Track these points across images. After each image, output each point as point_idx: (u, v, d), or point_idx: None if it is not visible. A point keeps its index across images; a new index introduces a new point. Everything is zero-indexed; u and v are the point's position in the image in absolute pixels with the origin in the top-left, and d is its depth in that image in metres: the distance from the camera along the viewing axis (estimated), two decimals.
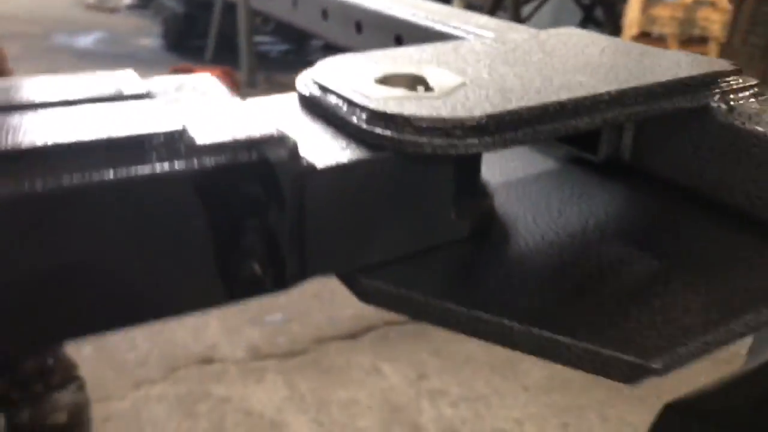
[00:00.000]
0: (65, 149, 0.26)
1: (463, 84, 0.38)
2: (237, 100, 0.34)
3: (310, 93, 0.37)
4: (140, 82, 0.33)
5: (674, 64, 0.44)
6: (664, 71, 0.42)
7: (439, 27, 0.66)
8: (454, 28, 0.64)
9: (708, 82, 0.42)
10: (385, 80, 0.39)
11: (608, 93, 0.37)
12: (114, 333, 0.29)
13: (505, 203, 0.44)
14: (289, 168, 0.29)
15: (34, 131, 0.27)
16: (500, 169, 0.50)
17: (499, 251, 0.38)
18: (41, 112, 0.29)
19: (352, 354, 1.45)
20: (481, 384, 1.38)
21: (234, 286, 0.30)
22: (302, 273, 0.32)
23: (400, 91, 0.36)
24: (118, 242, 0.27)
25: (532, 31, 0.54)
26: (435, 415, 1.31)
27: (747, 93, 0.43)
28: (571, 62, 0.43)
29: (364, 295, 0.34)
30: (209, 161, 0.27)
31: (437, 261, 0.36)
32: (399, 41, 0.71)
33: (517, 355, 0.35)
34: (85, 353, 1.38)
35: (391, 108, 0.33)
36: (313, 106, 0.37)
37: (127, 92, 0.32)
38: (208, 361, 1.44)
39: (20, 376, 1.24)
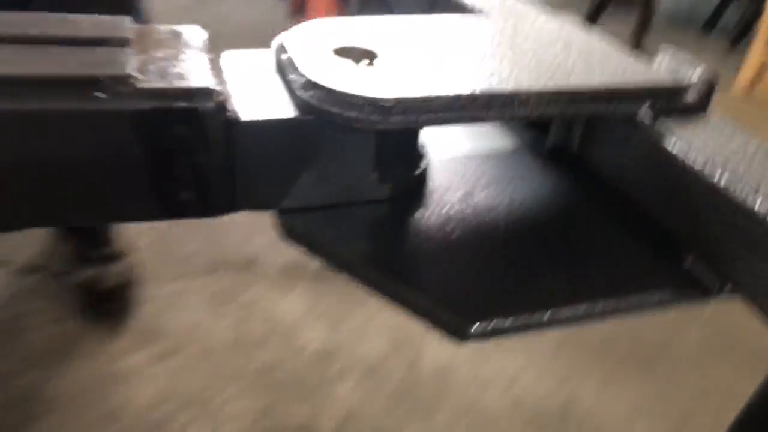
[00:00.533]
0: (32, 79, 0.34)
1: (401, 64, 0.43)
2: (204, 55, 0.41)
3: (275, 52, 0.44)
4: (128, 29, 0.41)
5: (619, 71, 0.47)
6: (601, 76, 0.46)
7: None
8: None
9: (641, 95, 0.46)
10: (341, 51, 0.45)
11: (523, 92, 0.42)
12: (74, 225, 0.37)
13: (442, 174, 0.50)
14: (214, 117, 0.36)
15: (14, 62, 0.35)
16: (462, 143, 0.55)
17: (408, 214, 0.44)
18: (23, 46, 0.37)
19: None
20: None
21: (169, 207, 0.38)
22: (229, 206, 0.40)
23: (343, 63, 0.42)
24: (78, 158, 0.35)
25: (534, 15, 0.57)
26: (437, 351, 1.40)
27: (679, 111, 0.47)
28: (522, 55, 0.47)
29: (281, 232, 0.41)
30: (146, 104, 0.35)
31: (351, 214, 0.43)
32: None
33: None
34: (141, 243, 1.53)
35: (320, 79, 0.39)
36: (277, 65, 0.43)
37: (108, 37, 0.39)
38: (246, 268, 1.56)
39: (83, 245, 1.41)
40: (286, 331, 1.38)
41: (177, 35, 0.44)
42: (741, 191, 0.39)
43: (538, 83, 0.43)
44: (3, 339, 1.23)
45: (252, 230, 1.62)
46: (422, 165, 0.46)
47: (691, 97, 0.47)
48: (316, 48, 0.43)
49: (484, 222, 0.45)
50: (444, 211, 0.45)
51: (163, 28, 0.45)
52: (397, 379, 1.32)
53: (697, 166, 0.41)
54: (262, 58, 0.46)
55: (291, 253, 1.61)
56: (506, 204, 0.46)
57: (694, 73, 0.57)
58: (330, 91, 0.39)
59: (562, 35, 0.52)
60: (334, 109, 0.38)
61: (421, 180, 0.47)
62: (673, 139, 0.44)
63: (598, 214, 0.47)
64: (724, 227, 0.40)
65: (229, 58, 0.45)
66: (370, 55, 0.45)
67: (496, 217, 0.45)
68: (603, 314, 0.41)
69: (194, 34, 0.44)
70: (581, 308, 0.39)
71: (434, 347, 1.41)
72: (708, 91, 0.57)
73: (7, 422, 1.12)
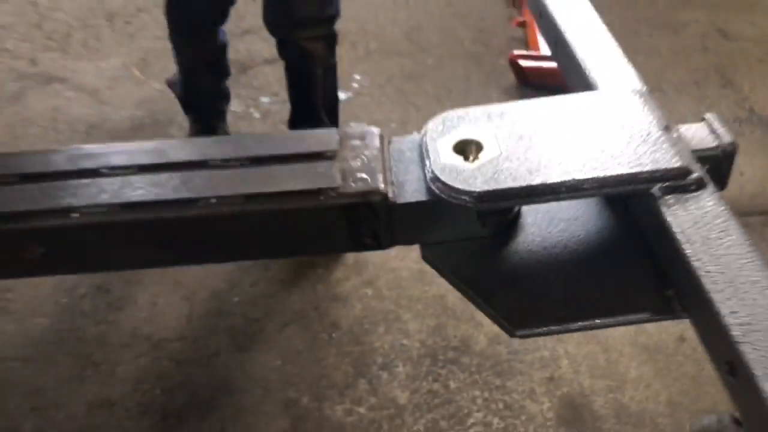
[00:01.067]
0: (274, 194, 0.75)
1: (500, 156, 0.76)
2: (379, 155, 0.79)
3: (420, 141, 0.80)
4: (335, 141, 0.79)
5: (644, 157, 0.76)
6: (626, 164, 0.76)
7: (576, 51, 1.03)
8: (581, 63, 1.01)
9: (653, 178, 0.75)
10: (458, 145, 0.79)
11: (578, 180, 0.74)
12: None
13: (534, 215, 0.85)
14: (381, 204, 0.74)
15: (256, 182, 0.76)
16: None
17: (500, 246, 0.79)
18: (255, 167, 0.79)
19: None
20: None
21: (358, 245, 0.77)
22: (391, 244, 0.78)
23: (457, 160, 0.77)
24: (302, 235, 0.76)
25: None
26: None
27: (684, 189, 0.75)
28: (574, 144, 0.79)
29: (424, 258, 0.79)
30: (346, 201, 0.74)
31: (463, 247, 0.79)
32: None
33: None
34: None
35: (441, 174, 0.74)
36: (419, 152, 0.80)
37: (322, 152, 0.78)
38: None
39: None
40: None
41: (363, 137, 0.82)
42: (699, 261, 0.68)
43: (585, 174, 0.74)
44: (259, 270, 1.76)
45: None
46: (514, 211, 0.80)
47: (696, 177, 0.75)
48: (442, 142, 0.78)
49: (550, 253, 0.78)
50: (522, 245, 0.79)
51: (353, 130, 0.83)
52: None
53: (678, 238, 0.70)
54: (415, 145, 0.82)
55: None
56: (568, 241, 0.79)
57: (719, 148, 0.84)
58: (445, 184, 0.74)
59: (625, 121, 0.82)
60: (449, 196, 0.74)
61: (515, 219, 0.81)
62: (667, 212, 0.73)
63: (626, 254, 0.78)
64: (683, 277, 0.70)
65: (395, 144, 0.82)
66: (480, 147, 0.79)
67: (559, 251, 0.79)
68: (604, 326, 0.75)
69: (373, 136, 0.81)
70: (588, 324, 0.72)
71: None
72: (721, 169, 0.85)
73: (261, 325, 1.65)
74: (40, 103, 2.28)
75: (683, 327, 1.63)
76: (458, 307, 1.68)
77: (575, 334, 1.60)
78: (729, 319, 0.64)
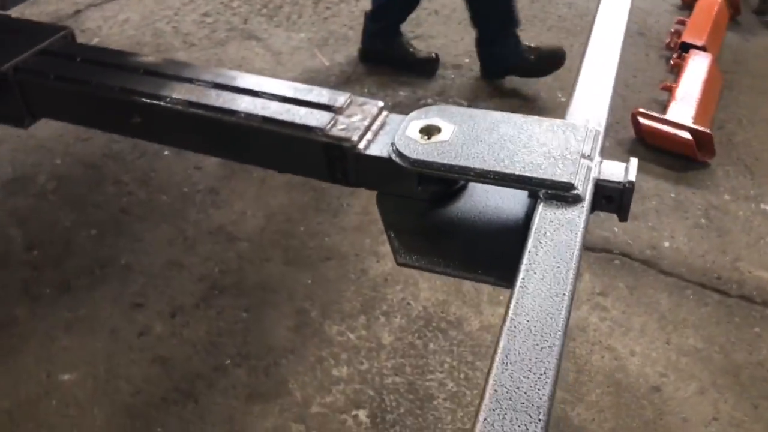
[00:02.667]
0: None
1: (443, 141, 1.08)
2: (366, 119, 1.15)
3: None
4: (342, 101, 1.16)
5: (530, 168, 1.05)
6: (527, 166, 1.05)
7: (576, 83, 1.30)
8: None
9: (539, 183, 1.03)
10: (423, 128, 1.12)
11: (485, 170, 1.04)
12: None
13: (472, 204, 1.16)
14: (350, 151, 1.09)
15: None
16: None
17: (433, 210, 1.11)
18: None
19: None
20: None
21: (332, 178, 1.13)
22: (357, 184, 1.13)
23: (415, 137, 1.09)
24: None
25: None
26: None
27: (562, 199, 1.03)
28: (507, 149, 1.08)
29: (377, 202, 1.13)
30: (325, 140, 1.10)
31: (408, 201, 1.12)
32: None
33: None
34: None
35: (399, 142, 1.07)
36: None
37: (331, 105, 1.16)
38: None
39: None
40: None
41: (366, 104, 1.18)
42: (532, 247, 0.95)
43: (495, 167, 1.03)
44: (329, 215, 2.14)
45: None
46: (455, 187, 1.11)
47: (575, 193, 1.00)
48: (414, 123, 1.11)
49: (462, 222, 1.08)
50: (449, 213, 1.09)
51: (362, 99, 1.19)
52: None
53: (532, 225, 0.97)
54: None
55: None
56: (480, 218, 1.08)
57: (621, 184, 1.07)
58: (397, 150, 1.07)
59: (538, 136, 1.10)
60: (397, 158, 1.07)
61: (455, 194, 1.12)
62: (539, 209, 0.99)
63: (512, 237, 1.06)
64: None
65: (392, 117, 1.17)
66: (436, 131, 1.11)
67: (469, 223, 1.08)
68: (458, 277, 1.05)
69: (374, 106, 1.17)
70: (449, 271, 1.02)
71: None
72: (622, 201, 1.08)
73: (310, 253, 2.03)
74: (235, 51, 2.88)
75: (664, 380, 1.73)
76: (469, 294, 1.93)
77: None
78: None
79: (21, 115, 1.51)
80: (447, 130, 1.21)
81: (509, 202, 1.22)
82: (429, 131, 1.22)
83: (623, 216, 1.14)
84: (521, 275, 0.90)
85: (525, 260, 0.95)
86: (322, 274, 1.96)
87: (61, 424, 1.55)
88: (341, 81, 2.75)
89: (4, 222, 2.02)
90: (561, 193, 1.06)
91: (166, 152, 2.33)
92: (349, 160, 1.25)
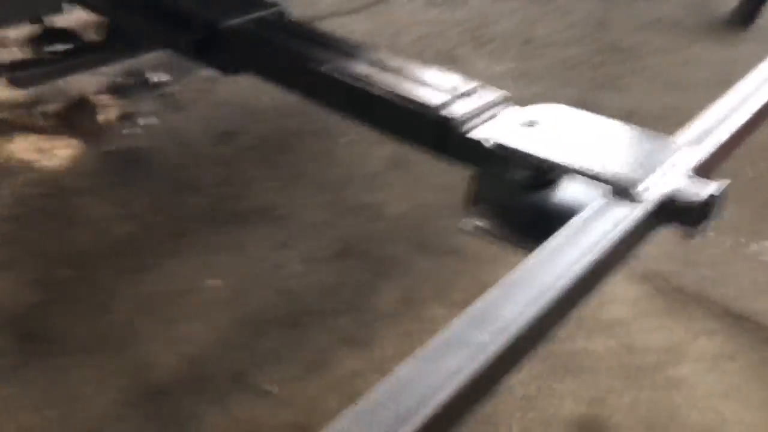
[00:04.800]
0: None
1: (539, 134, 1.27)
2: None
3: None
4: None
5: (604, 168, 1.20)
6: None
7: None
8: None
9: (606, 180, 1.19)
10: (527, 121, 1.31)
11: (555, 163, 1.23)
12: None
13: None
14: (450, 129, 1.31)
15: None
16: None
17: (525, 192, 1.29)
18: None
19: None
20: None
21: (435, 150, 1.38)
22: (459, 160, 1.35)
23: (517, 126, 1.30)
24: None
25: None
26: None
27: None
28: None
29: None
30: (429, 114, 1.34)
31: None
32: None
33: None
34: None
35: (497, 131, 1.28)
36: None
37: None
38: None
39: None
40: None
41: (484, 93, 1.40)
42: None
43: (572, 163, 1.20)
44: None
45: None
46: (549, 176, 1.29)
47: (637, 192, 1.14)
48: (523, 114, 1.31)
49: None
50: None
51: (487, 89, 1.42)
52: None
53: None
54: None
55: None
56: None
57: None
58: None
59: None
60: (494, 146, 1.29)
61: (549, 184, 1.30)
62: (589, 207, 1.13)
63: None
64: None
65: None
66: (538, 124, 1.29)
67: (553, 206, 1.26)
68: None
69: (495, 94, 1.38)
70: None
71: None
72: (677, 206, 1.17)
73: (431, 248, 2.21)
74: None
75: None
76: None
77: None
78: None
79: (227, 65, 1.92)
80: (547, 125, 1.37)
81: (591, 197, 1.31)
82: (532, 123, 1.39)
83: (692, 233, 1.19)
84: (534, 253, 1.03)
85: (550, 239, 1.07)
86: (444, 263, 2.14)
87: (191, 314, 1.91)
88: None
89: (207, 162, 2.50)
90: (623, 192, 1.17)
91: (350, 137, 2.68)
92: (453, 137, 1.44)
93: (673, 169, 1.24)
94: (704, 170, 1.30)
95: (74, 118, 2.54)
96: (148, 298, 1.95)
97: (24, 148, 2.42)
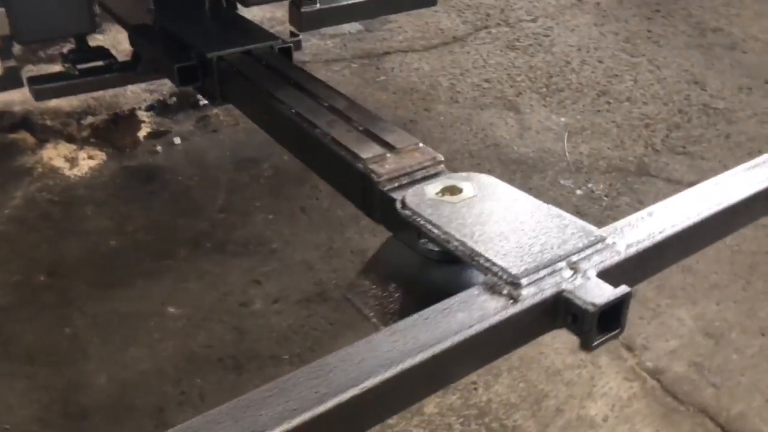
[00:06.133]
0: None
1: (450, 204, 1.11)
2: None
3: None
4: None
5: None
6: None
7: None
8: None
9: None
10: (446, 188, 1.15)
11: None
12: None
13: None
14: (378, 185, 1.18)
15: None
16: None
17: None
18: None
19: None
20: None
21: (361, 205, 1.24)
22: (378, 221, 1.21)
23: (432, 193, 1.14)
24: None
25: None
26: None
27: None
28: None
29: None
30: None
31: None
32: None
33: None
34: None
35: (410, 196, 1.14)
36: None
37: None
38: None
39: None
40: None
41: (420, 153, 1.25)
42: None
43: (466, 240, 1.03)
44: None
45: None
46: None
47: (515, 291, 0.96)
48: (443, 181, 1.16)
49: None
50: None
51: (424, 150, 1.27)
52: None
53: None
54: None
55: None
56: None
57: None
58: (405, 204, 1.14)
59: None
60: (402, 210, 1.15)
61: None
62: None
63: None
64: None
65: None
66: (459, 189, 1.14)
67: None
68: None
69: (430, 156, 1.23)
70: None
71: None
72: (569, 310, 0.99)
73: None
74: (488, 116, 3.00)
75: None
76: None
77: None
78: None
79: (215, 95, 1.89)
80: (467, 198, 1.20)
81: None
82: (453, 192, 1.22)
83: (586, 344, 0.99)
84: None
85: (402, 321, 0.92)
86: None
87: (142, 339, 1.86)
88: (564, 170, 2.66)
89: (218, 187, 2.48)
90: (500, 285, 0.99)
91: None
92: (375, 195, 1.30)
93: (577, 268, 1.02)
94: (620, 274, 1.06)
95: (111, 131, 2.63)
96: (109, 317, 1.94)
97: (55, 154, 2.54)
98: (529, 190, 2.51)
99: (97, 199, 2.36)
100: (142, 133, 2.69)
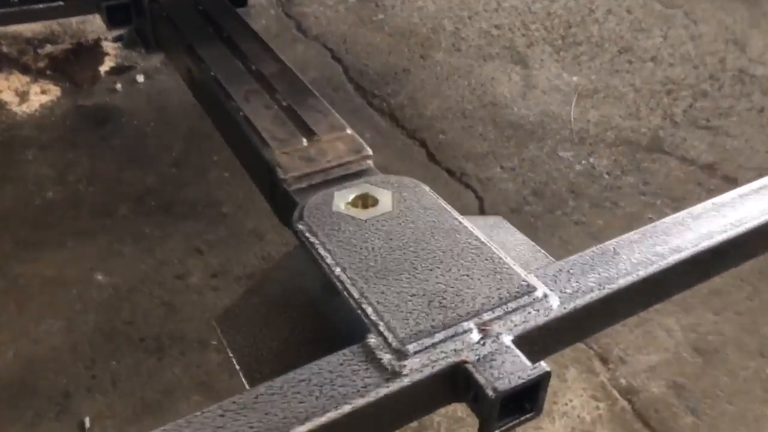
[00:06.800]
0: None
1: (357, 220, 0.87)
2: None
3: None
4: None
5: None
6: None
7: None
8: None
9: None
10: (360, 196, 0.91)
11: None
12: None
13: None
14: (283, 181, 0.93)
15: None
16: None
17: None
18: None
19: None
20: None
21: (268, 198, 1.00)
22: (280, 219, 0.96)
23: (341, 203, 0.89)
24: None
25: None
26: None
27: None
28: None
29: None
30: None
31: None
32: None
33: None
34: None
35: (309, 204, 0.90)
36: None
37: None
38: None
39: None
40: None
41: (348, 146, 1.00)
42: None
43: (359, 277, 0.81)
44: None
45: None
46: None
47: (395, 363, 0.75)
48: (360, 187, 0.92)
49: None
50: None
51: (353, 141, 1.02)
52: None
53: None
54: None
55: None
56: None
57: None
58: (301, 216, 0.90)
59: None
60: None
61: None
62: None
63: None
64: None
65: None
66: (374, 201, 0.90)
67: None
68: None
69: (359, 152, 0.99)
70: None
71: None
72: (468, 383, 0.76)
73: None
74: (491, 70, 2.69)
75: None
76: None
77: None
78: None
79: (149, 41, 1.64)
80: (377, 211, 0.97)
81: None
82: (367, 204, 0.99)
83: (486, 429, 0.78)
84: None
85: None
86: None
87: (61, 309, 1.69)
88: (565, 139, 2.36)
89: (176, 136, 2.25)
90: (381, 349, 0.77)
91: None
92: (279, 193, 1.07)
93: (487, 331, 0.80)
94: (547, 338, 0.83)
95: (70, 63, 2.40)
96: (31, 280, 1.77)
97: (5, 86, 2.33)
98: (522, 161, 2.27)
99: (43, 141, 2.16)
100: (105, 67, 2.45)
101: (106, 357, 1.61)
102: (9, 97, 2.29)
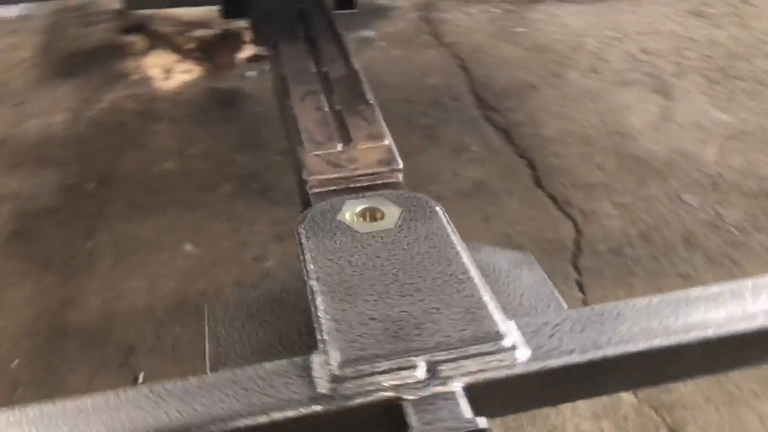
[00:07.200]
0: None
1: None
2: None
3: None
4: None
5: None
6: None
7: None
8: None
9: None
10: (368, 208, 0.91)
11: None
12: None
13: None
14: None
15: None
16: None
17: None
18: None
19: None
20: None
21: None
22: None
23: (347, 213, 0.90)
24: None
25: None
26: None
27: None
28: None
29: None
30: None
31: None
32: None
33: None
34: None
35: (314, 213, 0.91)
36: None
37: None
38: None
39: None
40: None
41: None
42: None
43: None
44: None
45: None
46: None
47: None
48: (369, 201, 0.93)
49: None
50: None
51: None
52: None
53: None
54: None
55: None
56: None
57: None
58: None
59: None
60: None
61: None
62: None
63: None
64: None
65: None
66: (381, 215, 0.91)
67: None
68: None
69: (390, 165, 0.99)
70: None
71: None
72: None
73: None
74: (627, 96, 2.50)
75: None
76: None
77: None
78: None
79: (254, 34, 1.73)
80: (379, 226, 0.95)
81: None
82: (372, 215, 0.98)
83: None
84: None
85: None
86: None
87: (149, 271, 1.83)
88: (694, 182, 2.14)
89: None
90: (320, 368, 0.76)
91: None
92: (303, 192, 1.09)
93: (435, 372, 0.75)
94: (505, 395, 0.76)
95: (214, 47, 2.59)
96: (130, 240, 1.93)
97: (155, 63, 2.56)
98: (637, 199, 2.09)
99: (174, 116, 2.35)
100: (242, 55, 2.61)
101: (173, 322, 1.72)
102: (156, 72, 2.52)
